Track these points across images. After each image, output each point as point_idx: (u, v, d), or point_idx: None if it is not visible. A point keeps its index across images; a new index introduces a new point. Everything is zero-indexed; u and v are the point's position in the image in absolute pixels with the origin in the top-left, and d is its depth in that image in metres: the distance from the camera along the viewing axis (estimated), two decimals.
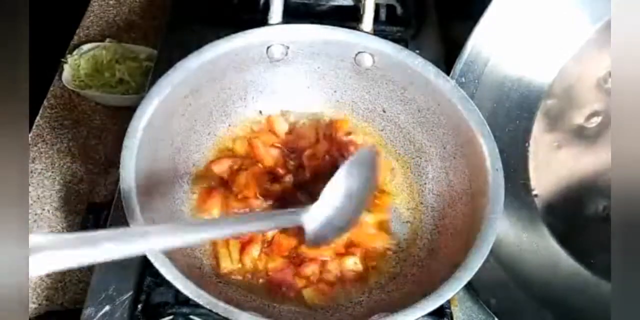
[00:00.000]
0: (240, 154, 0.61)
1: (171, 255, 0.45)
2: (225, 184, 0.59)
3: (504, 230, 0.60)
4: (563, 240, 0.62)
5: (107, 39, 0.88)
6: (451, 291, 0.45)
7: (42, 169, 0.76)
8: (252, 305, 0.52)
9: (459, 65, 0.62)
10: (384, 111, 0.62)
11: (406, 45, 0.71)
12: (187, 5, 0.76)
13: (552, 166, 0.64)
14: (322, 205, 0.47)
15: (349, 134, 0.63)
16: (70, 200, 0.74)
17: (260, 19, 0.58)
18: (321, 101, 0.64)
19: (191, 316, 0.51)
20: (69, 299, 0.66)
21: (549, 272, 0.61)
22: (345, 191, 0.48)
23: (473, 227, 0.50)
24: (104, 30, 0.92)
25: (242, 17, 0.71)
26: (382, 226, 0.59)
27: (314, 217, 0.46)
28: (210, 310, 0.42)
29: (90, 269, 0.66)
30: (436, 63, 0.56)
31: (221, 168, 0.59)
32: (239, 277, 0.54)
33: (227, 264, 0.54)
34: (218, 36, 0.54)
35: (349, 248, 0.57)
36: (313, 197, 0.50)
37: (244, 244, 0.55)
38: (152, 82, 0.52)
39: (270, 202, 0.58)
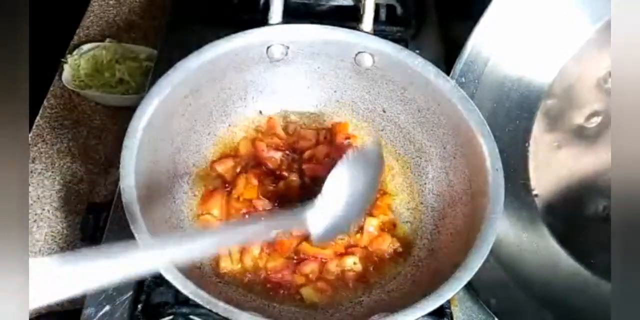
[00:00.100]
0: (243, 155, 0.61)
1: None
2: (227, 184, 0.59)
3: (504, 230, 0.60)
4: (563, 240, 0.62)
5: (107, 39, 0.88)
6: (451, 291, 0.45)
7: (42, 169, 0.76)
8: (252, 305, 0.52)
9: (459, 65, 0.61)
10: (384, 111, 0.62)
11: (406, 45, 0.71)
12: (187, 5, 0.76)
13: (552, 166, 0.64)
14: (325, 200, 0.46)
15: (348, 137, 0.63)
16: (70, 200, 0.74)
17: (260, 19, 0.58)
18: (321, 101, 0.64)
19: (191, 316, 0.51)
20: (69, 299, 0.66)
21: (549, 272, 0.61)
22: (348, 185, 0.48)
23: (473, 227, 0.50)
24: (104, 30, 0.92)
25: (242, 17, 0.71)
26: (385, 227, 0.59)
27: (317, 214, 0.46)
28: (210, 310, 0.42)
29: None
30: (436, 63, 0.56)
31: (224, 168, 0.59)
32: (239, 277, 0.54)
33: (227, 264, 0.54)
34: (218, 36, 0.54)
35: (349, 248, 0.58)
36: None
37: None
38: (152, 82, 0.52)
39: (272, 203, 0.58)
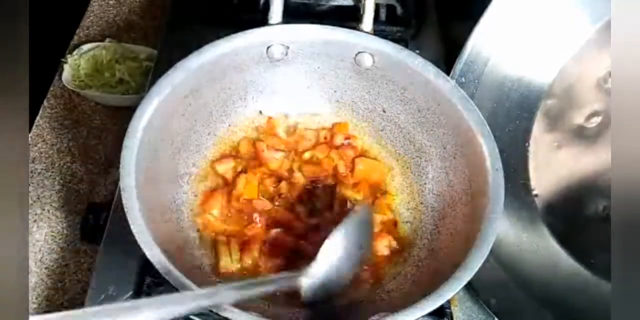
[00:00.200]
0: (243, 155, 0.61)
1: (171, 255, 0.45)
2: (227, 184, 0.59)
3: (504, 230, 0.60)
4: (563, 240, 0.62)
5: (107, 39, 0.88)
6: (451, 291, 0.45)
7: (42, 169, 0.76)
8: (252, 305, 0.52)
9: (459, 65, 0.62)
10: (384, 111, 0.62)
11: (406, 45, 0.71)
12: (187, 5, 0.76)
13: (552, 166, 0.64)
14: (320, 265, 0.47)
15: (348, 137, 0.63)
16: (70, 200, 0.74)
17: (260, 19, 0.58)
18: (321, 101, 0.64)
19: (191, 316, 0.51)
20: (69, 299, 0.66)
21: (549, 272, 0.61)
22: (342, 250, 0.48)
23: (473, 227, 0.50)
24: (104, 30, 0.92)
25: (242, 17, 0.71)
26: (385, 227, 0.59)
27: (311, 278, 0.46)
28: (211, 310, 0.42)
29: (90, 269, 0.67)
30: (436, 63, 0.56)
31: (225, 168, 0.59)
32: (239, 277, 0.54)
33: (227, 263, 0.54)
34: (218, 36, 0.54)
35: None
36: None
37: (245, 243, 0.56)
38: (152, 82, 0.52)
39: (273, 204, 0.58)
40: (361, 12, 0.60)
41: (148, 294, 0.53)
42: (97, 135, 0.80)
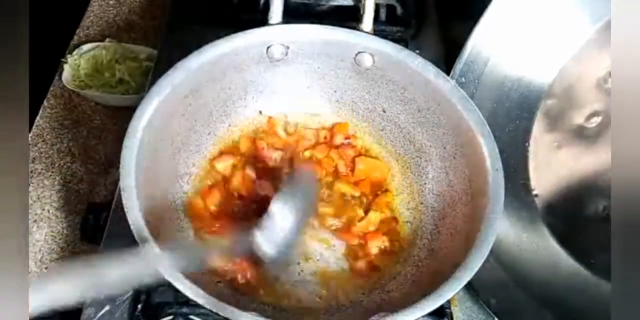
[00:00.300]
0: (244, 153, 0.61)
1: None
2: (226, 182, 0.59)
3: (504, 230, 0.60)
4: (563, 240, 0.62)
5: (107, 39, 0.88)
6: (451, 291, 0.45)
7: (42, 169, 0.76)
8: (252, 305, 0.52)
9: (459, 65, 0.61)
10: (384, 111, 0.62)
11: (406, 45, 0.71)
12: (187, 5, 0.76)
13: (552, 166, 0.64)
14: (271, 218, 0.48)
15: (348, 137, 0.63)
16: (70, 200, 0.74)
17: (260, 19, 0.58)
18: (321, 101, 0.64)
19: (191, 316, 0.51)
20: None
21: (549, 272, 0.61)
22: (291, 204, 0.49)
23: (473, 227, 0.50)
24: (104, 30, 0.92)
25: (242, 17, 0.71)
26: (384, 226, 0.59)
27: (264, 230, 0.47)
28: (210, 310, 0.42)
29: None
30: (436, 63, 0.56)
31: (224, 165, 0.59)
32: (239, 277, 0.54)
33: (217, 263, 0.54)
34: (218, 36, 0.54)
35: (349, 247, 0.58)
36: None
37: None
38: (152, 82, 0.52)
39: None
40: (361, 12, 0.59)
41: (148, 294, 0.53)
42: (97, 135, 0.80)
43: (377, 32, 0.60)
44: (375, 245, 0.57)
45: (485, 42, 0.61)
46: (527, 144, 0.64)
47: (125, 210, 0.45)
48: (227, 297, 0.50)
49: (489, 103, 0.63)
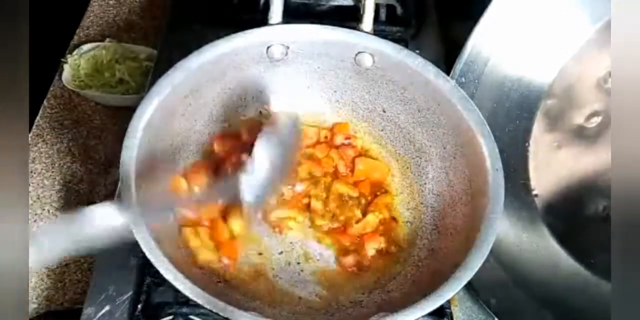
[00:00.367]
0: (245, 140, 0.61)
1: (171, 255, 0.45)
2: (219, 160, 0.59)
3: (504, 230, 0.60)
4: (563, 240, 0.62)
5: (107, 39, 0.88)
6: (451, 291, 0.45)
7: (42, 169, 0.76)
8: (252, 305, 0.52)
9: (459, 65, 0.61)
10: (384, 111, 0.62)
11: (406, 45, 0.71)
12: (187, 5, 0.76)
13: (552, 166, 0.64)
14: (255, 162, 0.48)
15: (348, 137, 0.63)
16: (70, 200, 0.74)
17: (260, 19, 0.58)
18: (321, 101, 0.64)
19: (191, 316, 0.51)
20: (69, 299, 0.66)
21: (549, 272, 0.61)
22: (274, 149, 0.49)
23: (473, 227, 0.50)
24: (104, 30, 0.92)
25: (242, 17, 0.71)
26: (383, 227, 0.59)
27: (249, 174, 0.48)
28: (210, 310, 0.42)
29: (90, 269, 0.67)
30: (436, 63, 0.56)
31: (221, 147, 0.59)
32: (239, 276, 0.54)
33: (206, 255, 0.54)
34: (218, 36, 0.54)
35: (349, 246, 0.58)
36: None
37: (211, 226, 0.56)
38: (152, 82, 0.52)
39: None
40: (361, 12, 0.59)
41: (148, 294, 0.53)
42: (97, 135, 0.80)
43: (377, 32, 0.60)
44: (372, 247, 0.57)
45: (485, 42, 0.61)
46: (527, 144, 0.64)
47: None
48: (227, 297, 0.50)
49: (489, 103, 0.63)
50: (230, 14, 0.73)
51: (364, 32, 0.58)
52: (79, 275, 0.68)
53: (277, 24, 0.58)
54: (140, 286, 0.54)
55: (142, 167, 0.48)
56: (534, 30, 0.62)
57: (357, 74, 0.60)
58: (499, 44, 0.62)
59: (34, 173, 0.75)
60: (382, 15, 0.74)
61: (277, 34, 0.57)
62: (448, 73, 0.60)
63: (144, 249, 0.44)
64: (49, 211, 0.72)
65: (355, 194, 0.60)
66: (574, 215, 0.63)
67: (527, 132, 0.64)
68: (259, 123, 0.61)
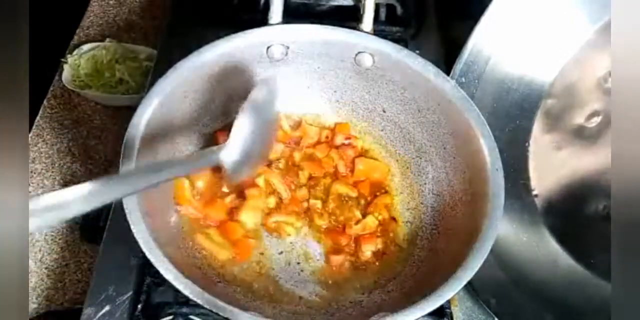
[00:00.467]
0: None
1: (171, 255, 0.45)
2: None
3: (504, 230, 0.60)
4: (563, 240, 0.62)
5: (107, 39, 0.88)
6: (451, 291, 0.45)
7: (42, 169, 0.76)
8: (252, 305, 0.52)
9: (459, 65, 0.62)
10: (384, 111, 0.62)
11: (406, 45, 0.71)
12: (187, 6, 0.76)
13: (552, 166, 0.64)
14: (235, 142, 0.48)
15: (349, 137, 0.63)
16: None
17: (260, 19, 0.58)
18: (321, 101, 0.64)
19: (191, 316, 0.51)
20: (69, 299, 0.66)
21: (548, 272, 0.61)
22: (254, 123, 0.49)
23: (473, 227, 0.50)
24: (104, 30, 0.92)
25: (242, 17, 0.71)
26: (382, 228, 0.59)
27: (230, 149, 0.47)
28: (210, 310, 0.42)
29: (90, 269, 0.67)
30: (436, 63, 0.56)
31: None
32: (240, 276, 0.54)
33: (225, 254, 0.54)
34: (218, 36, 0.54)
35: (344, 246, 0.58)
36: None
37: (220, 227, 0.56)
38: (152, 82, 0.52)
39: None
40: (361, 12, 0.59)
41: (148, 294, 0.53)
42: (97, 135, 0.80)
43: (377, 32, 0.60)
44: (368, 249, 0.57)
45: (486, 41, 0.61)
46: (527, 144, 0.64)
47: (126, 210, 0.45)
48: (227, 297, 0.50)
49: (489, 103, 0.63)
50: (230, 14, 0.73)
51: (364, 32, 0.58)
52: (79, 275, 0.68)
53: (277, 24, 0.58)
54: (140, 286, 0.54)
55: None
56: (534, 30, 0.62)
57: (357, 74, 0.60)
58: (499, 43, 0.62)
59: (34, 173, 0.75)
60: (382, 15, 0.74)
61: (277, 34, 0.57)
62: (448, 73, 0.60)
63: (144, 249, 0.44)
64: None
65: (354, 194, 0.60)
66: (574, 215, 0.63)
67: (527, 132, 0.64)
68: None
